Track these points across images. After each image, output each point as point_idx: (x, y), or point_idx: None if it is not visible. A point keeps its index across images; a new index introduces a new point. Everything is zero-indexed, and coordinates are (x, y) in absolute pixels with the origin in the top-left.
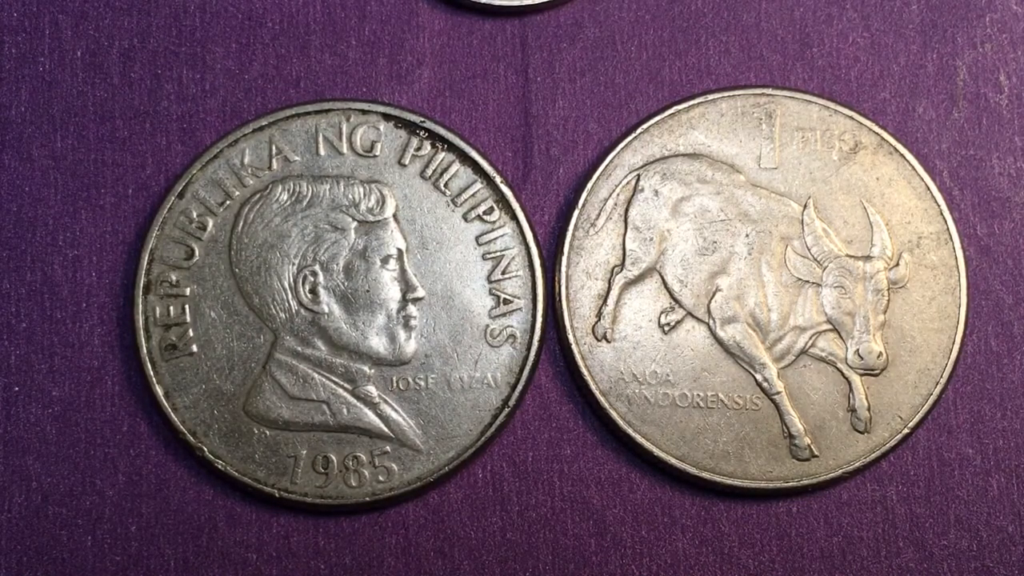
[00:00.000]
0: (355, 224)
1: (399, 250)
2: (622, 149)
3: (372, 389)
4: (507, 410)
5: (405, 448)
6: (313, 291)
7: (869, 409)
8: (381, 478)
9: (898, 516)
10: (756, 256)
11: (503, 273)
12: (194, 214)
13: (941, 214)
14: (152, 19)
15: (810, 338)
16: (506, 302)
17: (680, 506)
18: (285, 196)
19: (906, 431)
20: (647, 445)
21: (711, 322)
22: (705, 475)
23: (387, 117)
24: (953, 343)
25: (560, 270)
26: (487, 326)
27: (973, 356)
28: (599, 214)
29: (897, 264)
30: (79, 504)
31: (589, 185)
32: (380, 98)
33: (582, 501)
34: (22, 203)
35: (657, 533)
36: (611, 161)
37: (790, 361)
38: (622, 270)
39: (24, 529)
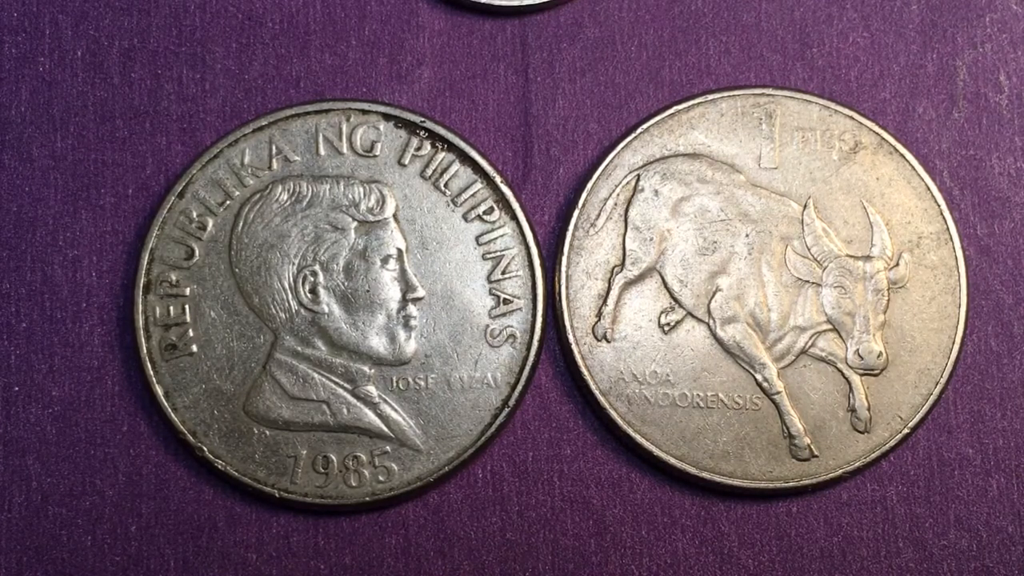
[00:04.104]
0: (355, 224)
1: (399, 250)
2: (622, 149)
3: (372, 389)
4: (507, 410)
5: (405, 448)
6: (313, 291)
7: (869, 409)
8: (381, 478)
9: (898, 516)
10: (756, 256)
11: (503, 273)
12: (194, 214)
13: (941, 214)
14: (152, 19)
15: (810, 338)
16: (506, 302)
17: (680, 506)
18: (285, 196)
19: (906, 431)
20: (647, 445)
21: (711, 322)
22: (705, 475)
23: (387, 117)
24: (953, 343)
25: (560, 270)
26: (487, 326)
27: (973, 356)
28: (599, 214)
29: (897, 264)
30: (79, 504)
31: (589, 185)
32: (380, 98)
33: (582, 501)
34: (22, 203)
35: (657, 533)
36: (611, 161)
37: (790, 361)
38: (622, 270)
39: (24, 529)
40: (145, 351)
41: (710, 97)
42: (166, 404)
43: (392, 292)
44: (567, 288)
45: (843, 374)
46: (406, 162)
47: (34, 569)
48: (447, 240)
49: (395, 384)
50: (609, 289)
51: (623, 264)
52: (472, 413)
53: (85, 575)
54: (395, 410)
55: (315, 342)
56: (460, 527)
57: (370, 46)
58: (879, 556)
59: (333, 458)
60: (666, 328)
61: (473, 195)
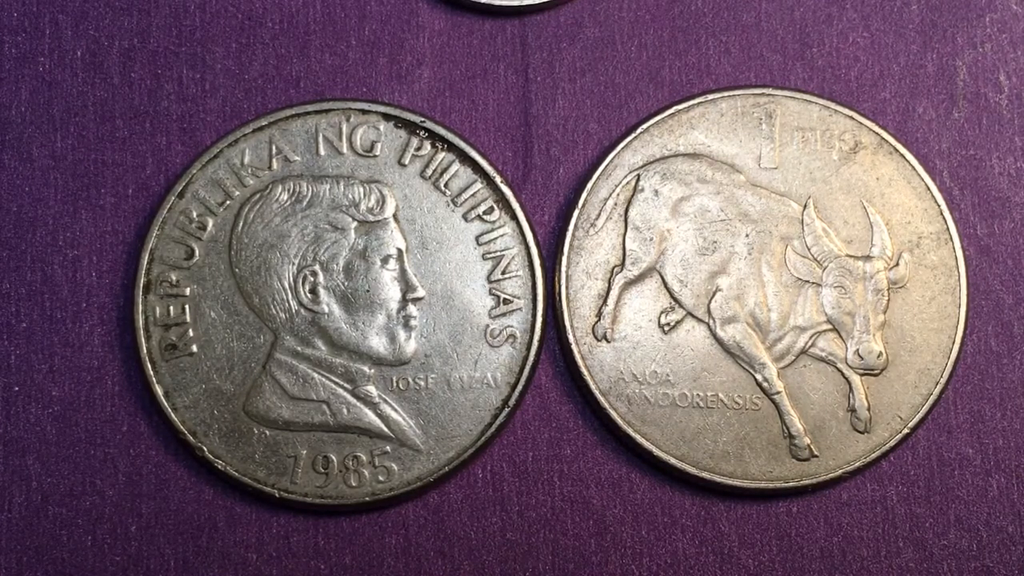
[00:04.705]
0: (355, 224)
1: (399, 250)
2: (622, 149)
3: (372, 389)
4: (507, 410)
5: (405, 448)
6: (313, 291)
7: (869, 409)
8: (381, 478)
9: (898, 516)
10: (756, 256)
11: (503, 273)
12: (194, 214)
13: (941, 214)
14: (152, 19)
15: (810, 338)
16: (506, 302)
17: (680, 506)
18: (285, 196)
19: (906, 431)
20: (647, 445)
21: (711, 322)
22: (705, 475)
23: (387, 117)
24: (953, 343)
25: (560, 270)
26: (487, 326)
27: (973, 356)
28: (599, 214)
29: (897, 264)
30: (79, 504)
31: (589, 185)
32: (380, 98)
33: (582, 501)
34: (22, 203)
35: (657, 533)
36: (611, 161)
37: (790, 361)
38: (622, 270)
39: (24, 529)
40: (145, 351)
41: (710, 97)
42: (166, 404)
43: (392, 292)
44: (567, 288)
45: (843, 374)
46: (406, 162)
47: (34, 569)
48: (447, 240)
49: (395, 384)
50: (609, 289)
51: (623, 264)
52: (472, 413)
53: (85, 575)
54: (395, 410)
55: (315, 342)
56: (460, 527)
57: (370, 46)
58: (879, 556)
59: (333, 458)
60: (666, 328)
61: (473, 195)
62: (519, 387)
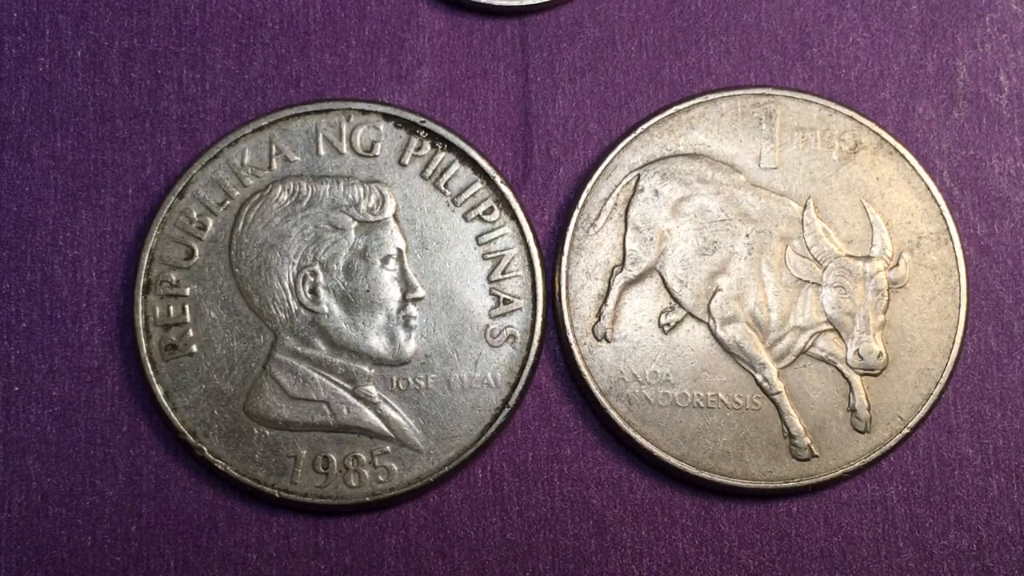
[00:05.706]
0: (355, 224)
1: (399, 250)
2: (622, 149)
3: (372, 389)
4: (507, 410)
5: (405, 448)
6: (313, 291)
7: (869, 409)
8: (381, 478)
9: (898, 516)
10: (756, 256)
11: (503, 273)
12: (194, 214)
13: (941, 214)
14: (152, 19)
15: (810, 338)
16: (506, 302)
17: (680, 506)
18: (285, 196)
19: (906, 431)
20: (647, 445)
21: (711, 322)
22: (705, 475)
23: (387, 117)
24: (953, 343)
25: (560, 270)
26: (487, 326)
27: (973, 356)
28: (599, 214)
29: (897, 264)
30: (79, 504)
31: (589, 185)
32: (380, 98)
33: (582, 501)
34: (22, 203)
35: (657, 533)
36: (611, 161)
37: (790, 361)
38: (622, 270)
39: (24, 529)
40: (145, 351)
41: (710, 97)
42: (166, 404)
43: (392, 292)
44: (567, 288)
45: (843, 374)
46: (406, 162)
47: (34, 569)
48: (447, 240)
49: (395, 384)
50: (609, 289)
51: (623, 264)
52: (472, 413)
53: (85, 575)
54: (395, 410)
55: (315, 342)
56: (460, 527)
57: (370, 46)
58: (879, 556)
59: (333, 458)
60: (666, 328)
61: (473, 195)
62: (519, 387)
